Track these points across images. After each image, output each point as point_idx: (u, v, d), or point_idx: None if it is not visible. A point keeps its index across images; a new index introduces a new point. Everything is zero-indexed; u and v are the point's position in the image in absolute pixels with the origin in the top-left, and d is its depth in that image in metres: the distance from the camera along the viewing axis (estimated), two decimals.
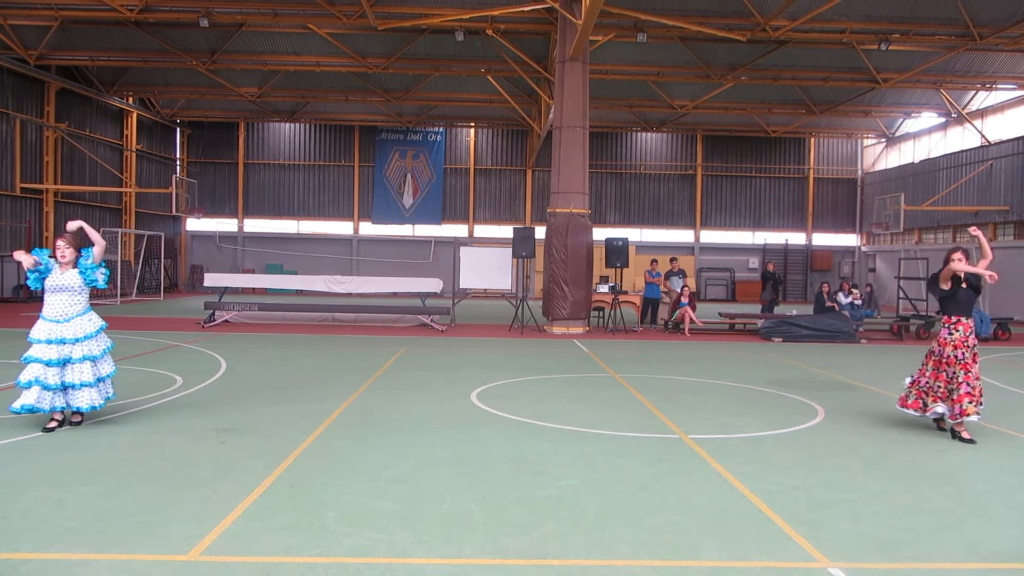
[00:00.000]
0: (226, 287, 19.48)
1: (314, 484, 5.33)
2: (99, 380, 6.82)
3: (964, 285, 7.23)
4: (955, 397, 7.05)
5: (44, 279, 6.73)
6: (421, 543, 4.31)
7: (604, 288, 19.44)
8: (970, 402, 6.97)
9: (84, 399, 6.70)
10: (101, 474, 5.47)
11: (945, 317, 7.32)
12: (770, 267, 21.40)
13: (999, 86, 26.31)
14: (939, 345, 7.27)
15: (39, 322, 6.73)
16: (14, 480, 5.30)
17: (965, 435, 7.04)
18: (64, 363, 6.61)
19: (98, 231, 6.59)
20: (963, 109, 28.78)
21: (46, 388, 6.56)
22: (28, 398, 6.53)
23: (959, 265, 7.09)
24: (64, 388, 6.64)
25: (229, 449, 6.26)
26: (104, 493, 5.04)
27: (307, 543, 4.26)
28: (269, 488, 5.20)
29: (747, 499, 5.21)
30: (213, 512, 4.69)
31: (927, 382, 7.33)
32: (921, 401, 7.36)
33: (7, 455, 5.92)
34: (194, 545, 4.18)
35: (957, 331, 7.16)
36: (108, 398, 6.99)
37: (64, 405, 6.70)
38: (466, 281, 19.21)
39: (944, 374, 7.19)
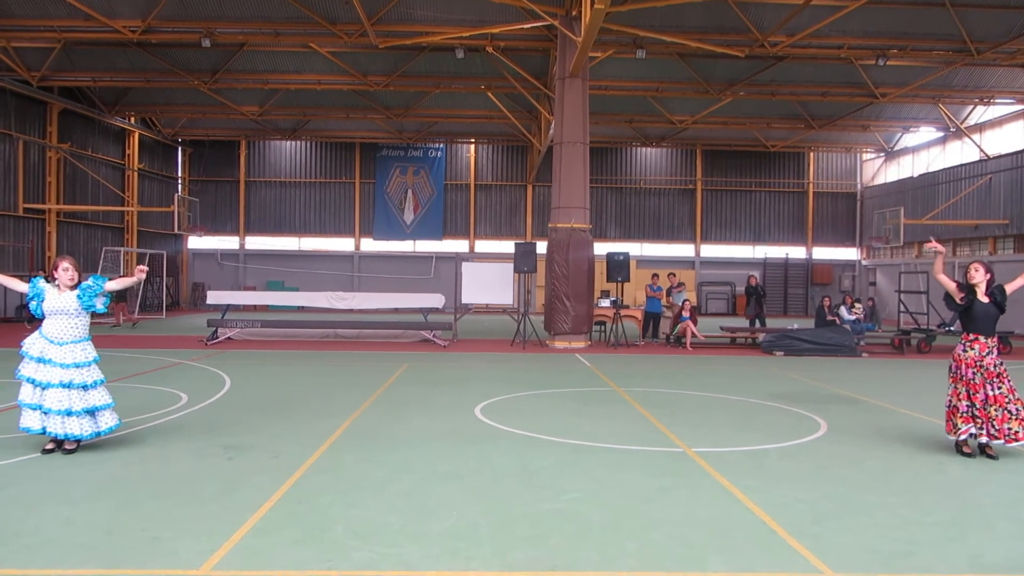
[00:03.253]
0: (228, 304, 19.56)
1: (321, 499, 5.37)
2: (86, 411, 6.51)
3: (987, 299, 6.94)
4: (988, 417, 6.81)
5: (42, 304, 6.62)
6: (429, 556, 4.35)
7: (606, 302, 19.49)
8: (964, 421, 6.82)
9: (57, 426, 6.44)
10: (110, 491, 5.51)
11: (963, 334, 7.06)
12: (752, 281, 21.09)
13: (997, 100, 26.44)
14: (955, 363, 7.03)
15: (36, 336, 6.62)
16: (25, 497, 5.34)
17: (989, 451, 6.94)
18: (43, 386, 6.43)
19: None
20: (961, 123, 28.93)
21: (29, 407, 6.45)
22: (26, 420, 6.47)
23: (938, 266, 7.16)
24: (41, 410, 6.45)
25: (236, 465, 6.31)
26: (114, 509, 5.08)
27: (316, 557, 4.30)
28: (277, 503, 5.25)
29: (751, 512, 5.25)
30: (222, 527, 4.73)
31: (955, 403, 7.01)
32: (952, 424, 7.04)
33: (17, 473, 5.96)
34: (205, 560, 4.22)
35: (972, 349, 6.91)
36: (99, 432, 6.66)
37: (43, 428, 6.49)
38: (468, 296, 19.28)
39: (968, 392, 6.91)
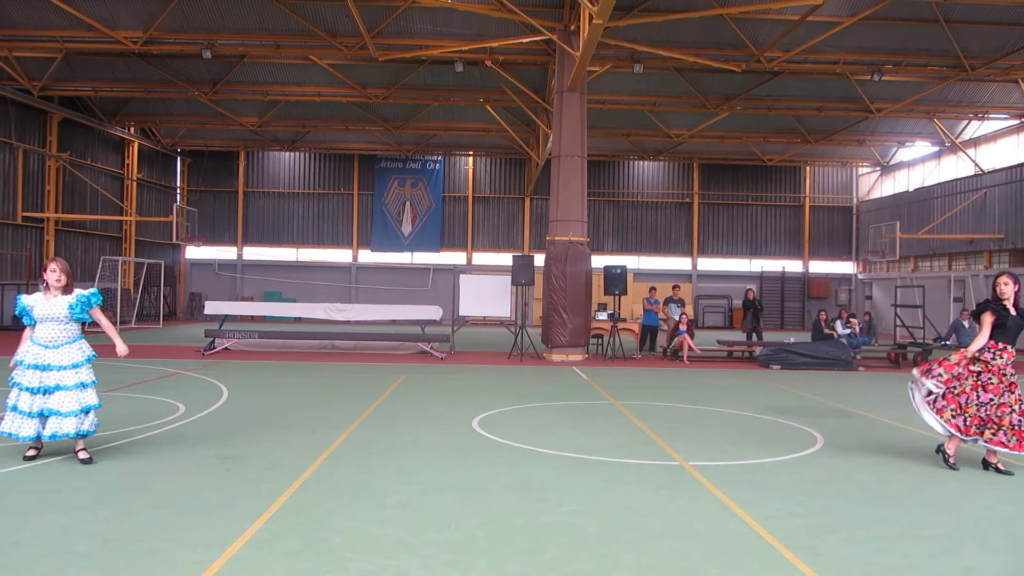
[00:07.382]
0: (226, 315, 19.56)
1: (319, 510, 5.38)
2: (83, 410, 6.58)
3: (1015, 312, 6.97)
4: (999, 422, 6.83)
5: (33, 313, 6.63)
6: (427, 568, 4.36)
7: (603, 315, 19.53)
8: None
9: (71, 425, 6.46)
10: (107, 501, 5.51)
11: (992, 343, 7.01)
12: (749, 295, 21.04)
13: (991, 116, 26.65)
14: (985, 371, 6.96)
15: (28, 343, 6.62)
16: (21, 507, 5.34)
17: (1000, 465, 6.96)
18: (46, 391, 6.46)
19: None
20: (956, 138, 29.12)
21: (20, 414, 6.46)
22: (5, 424, 6.49)
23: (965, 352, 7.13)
24: (43, 416, 6.46)
25: (233, 476, 6.31)
26: (111, 519, 5.08)
27: (314, 569, 4.31)
28: (275, 515, 5.25)
29: (748, 525, 5.27)
30: (220, 538, 4.74)
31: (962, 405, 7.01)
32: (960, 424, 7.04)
33: (13, 482, 5.96)
34: (202, 571, 4.22)
35: (1001, 358, 6.93)
36: (90, 431, 6.70)
37: (39, 434, 6.49)
38: (465, 308, 19.30)
39: (976, 393, 6.93)
